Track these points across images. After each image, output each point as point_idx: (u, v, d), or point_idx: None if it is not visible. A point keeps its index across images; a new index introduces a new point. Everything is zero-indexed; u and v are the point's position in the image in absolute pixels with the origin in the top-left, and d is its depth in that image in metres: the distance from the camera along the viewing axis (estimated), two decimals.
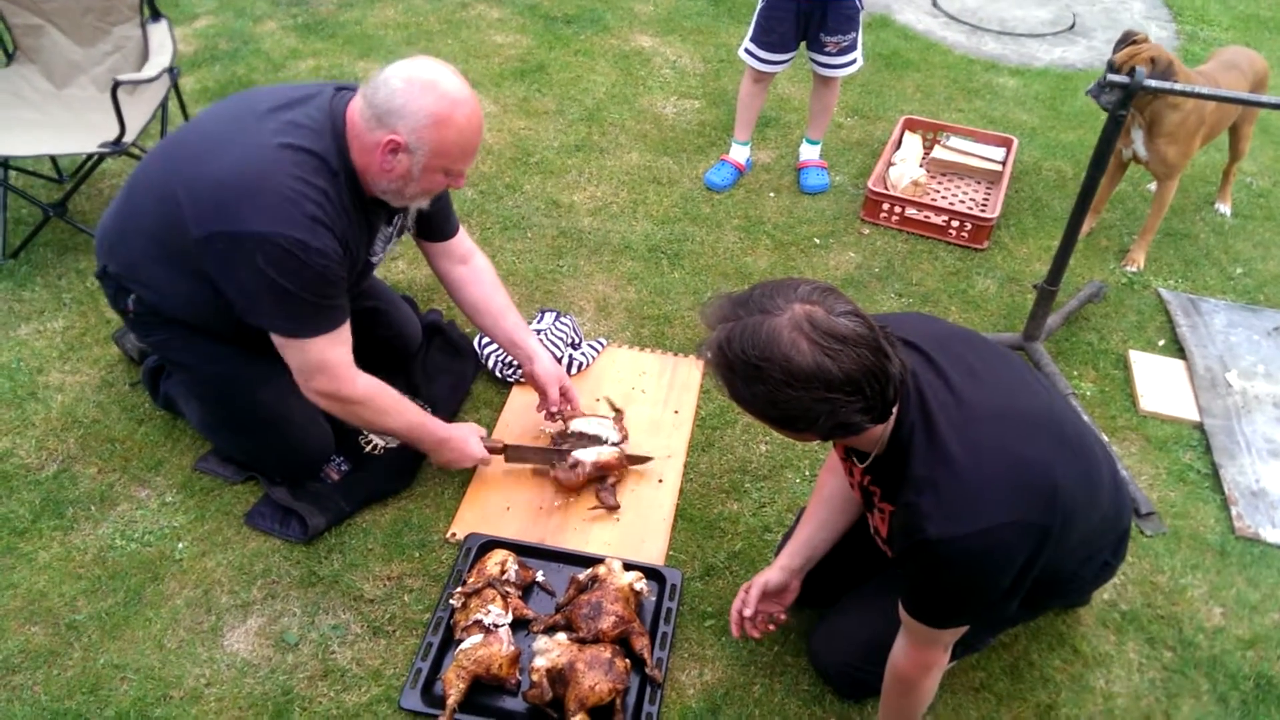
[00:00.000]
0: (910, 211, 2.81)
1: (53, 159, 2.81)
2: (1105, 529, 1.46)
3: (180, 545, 1.85)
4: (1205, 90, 1.94)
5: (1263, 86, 2.70)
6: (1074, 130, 3.40)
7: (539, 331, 2.27)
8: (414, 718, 1.59)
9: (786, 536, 1.70)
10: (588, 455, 1.97)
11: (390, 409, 1.78)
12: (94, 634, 1.69)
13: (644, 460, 2.05)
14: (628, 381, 2.28)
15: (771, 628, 1.62)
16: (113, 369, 2.22)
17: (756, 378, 1.09)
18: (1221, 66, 2.66)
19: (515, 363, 2.19)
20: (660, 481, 2.03)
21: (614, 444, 2.02)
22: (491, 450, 1.95)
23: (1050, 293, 2.25)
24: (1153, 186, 3.04)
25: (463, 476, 2.01)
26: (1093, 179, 2.04)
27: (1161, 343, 2.51)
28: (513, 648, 1.62)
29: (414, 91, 1.50)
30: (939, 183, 3.04)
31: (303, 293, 1.56)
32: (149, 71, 2.45)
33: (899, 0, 4.31)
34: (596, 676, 1.54)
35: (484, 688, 1.60)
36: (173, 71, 2.54)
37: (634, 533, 1.92)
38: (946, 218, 2.78)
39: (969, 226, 2.76)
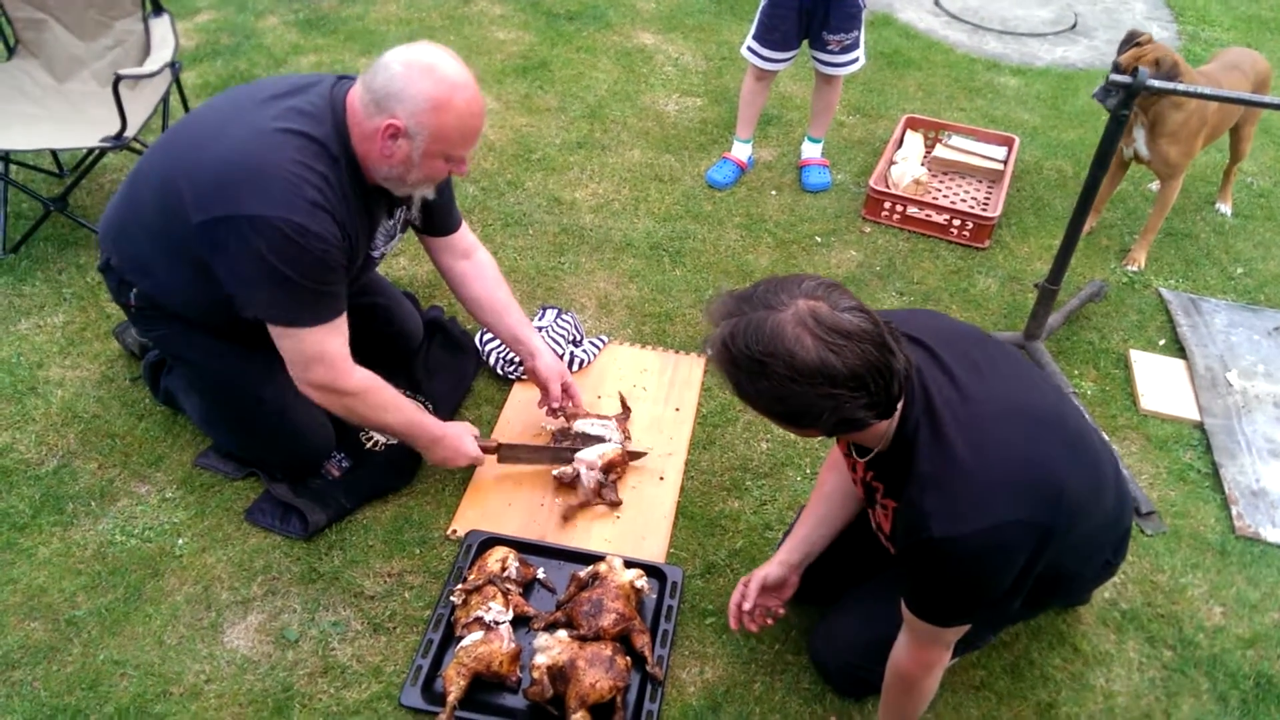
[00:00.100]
0: (912, 210, 2.81)
1: (54, 153, 2.80)
2: (1107, 528, 1.46)
3: (180, 541, 1.84)
4: (1208, 91, 1.93)
5: (1265, 87, 2.70)
6: (1075, 129, 3.40)
7: (540, 329, 2.26)
8: (414, 715, 1.58)
9: (787, 534, 1.70)
10: (589, 454, 1.97)
11: (386, 404, 1.76)
12: (94, 630, 1.69)
13: (640, 455, 2.04)
14: (629, 379, 2.28)
15: (769, 622, 1.62)
16: (113, 364, 2.22)
17: (761, 373, 1.09)
18: (1224, 67, 2.66)
19: (516, 360, 2.19)
20: (661, 479, 2.03)
21: (616, 444, 2.02)
22: (485, 449, 1.94)
23: (1051, 292, 2.25)
24: (1154, 186, 3.04)
25: (463, 474, 2.01)
26: (1095, 178, 2.04)
27: (1162, 342, 2.51)
28: (513, 645, 1.61)
29: (413, 76, 1.49)
30: (940, 181, 3.04)
31: (301, 279, 1.55)
32: (151, 66, 2.44)
33: None
34: (597, 674, 1.54)
35: (485, 685, 1.60)
36: (174, 66, 2.53)
37: (635, 530, 1.92)
38: (948, 216, 2.78)
39: (970, 225, 2.76)
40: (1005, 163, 3.04)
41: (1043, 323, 2.31)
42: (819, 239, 2.80)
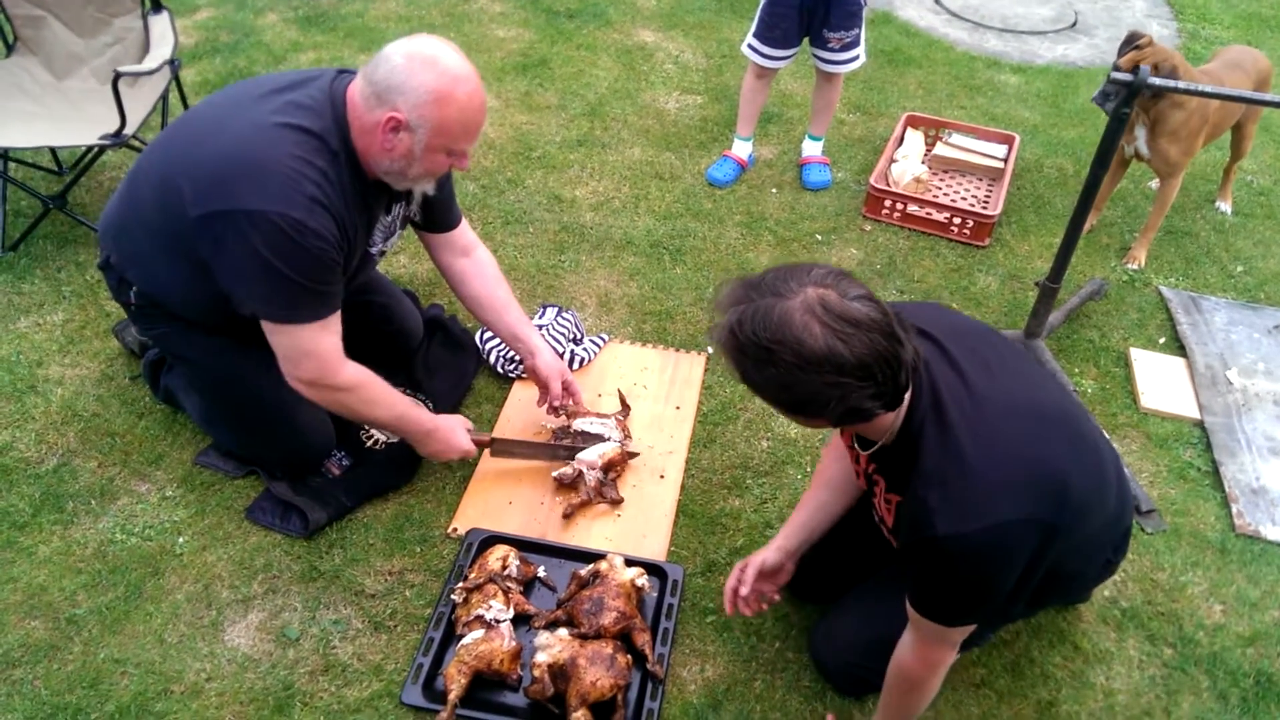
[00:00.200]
0: (912, 208, 2.81)
1: (53, 151, 2.80)
2: (1109, 527, 1.46)
3: (181, 540, 1.84)
4: (1209, 89, 1.93)
5: (1266, 85, 2.70)
6: (1075, 127, 3.40)
7: (541, 327, 2.26)
8: (415, 713, 1.59)
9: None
10: (590, 454, 1.97)
11: (377, 399, 1.75)
12: (94, 628, 1.68)
13: (633, 455, 2.05)
14: (629, 377, 2.28)
15: (764, 607, 1.62)
16: (113, 362, 2.21)
17: (768, 361, 1.08)
18: (1225, 66, 2.66)
19: (517, 358, 2.19)
20: (662, 477, 2.03)
21: (616, 442, 2.02)
22: (478, 443, 1.93)
23: (1052, 290, 2.25)
24: (1154, 184, 3.04)
25: (464, 472, 2.01)
26: (1095, 177, 2.04)
27: (1162, 340, 2.51)
28: (514, 643, 1.61)
29: (414, 68, 1.48)
30: (941, 179, 3.04)
31: (296, 276, 1.54)
32: (150, 63, 2.43)
33: None
34: (598, 672, 1.54)
35: (485, 683, 1.60)
36: (174, 64, 2.52)
37: (635, 528, 1.92)
38: (948, 215, 2.78)
39: (971, 223, 2.76)
40: (1006, 161, 3.04)
41: (1043, 321, 2.31)
42: (819, 237, 2.80)
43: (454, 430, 1.88)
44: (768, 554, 1.57)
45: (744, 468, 2.07)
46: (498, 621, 1.63)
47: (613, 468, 1.98)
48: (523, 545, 1.83)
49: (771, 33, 2.74)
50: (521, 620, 1.70)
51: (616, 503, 1.96)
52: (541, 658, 1.54)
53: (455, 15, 3.85)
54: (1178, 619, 1.81)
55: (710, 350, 2.37)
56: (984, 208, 2.87)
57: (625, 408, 2.13)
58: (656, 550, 1.87)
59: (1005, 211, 2.90)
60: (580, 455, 1.97)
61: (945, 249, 2.77)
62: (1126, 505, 1.51)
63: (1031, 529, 1.17)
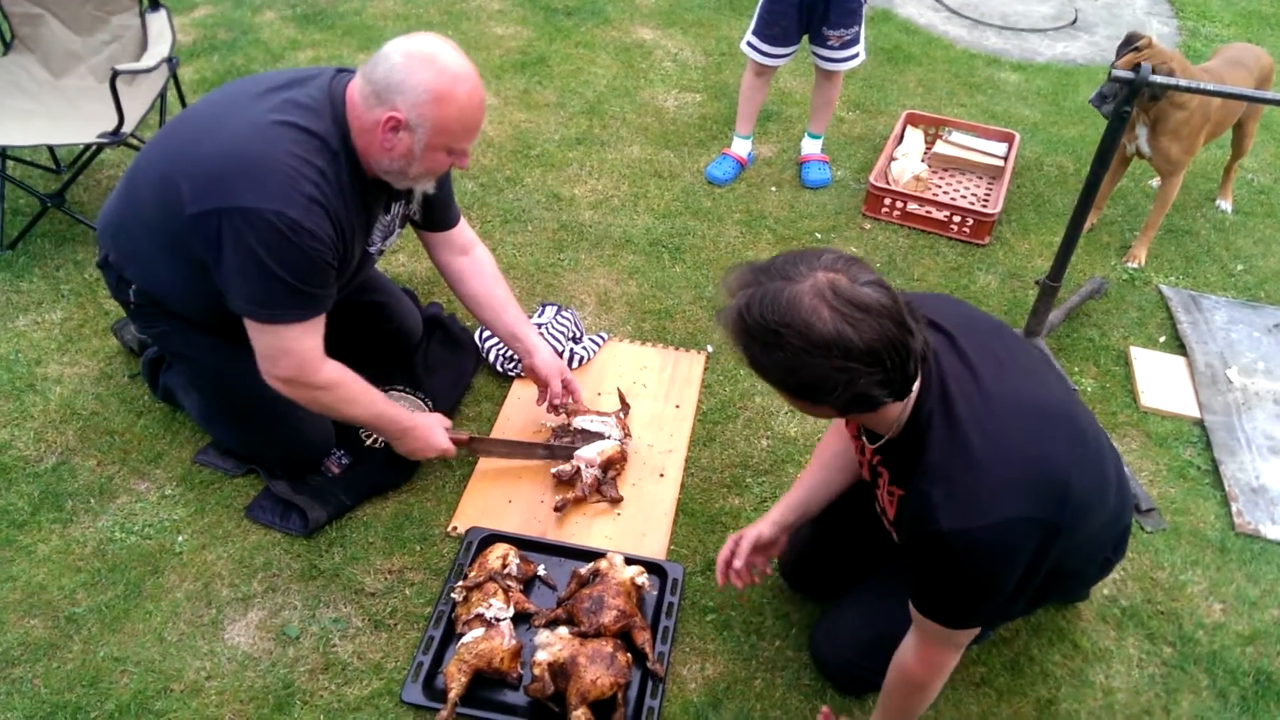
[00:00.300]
0: (912, 207, 2.80)
1: (51, 149, 2.79)
2: (1109, 526, 1.46)
3: (180, 538, 1.84)
4: (1210, 86, 1.93)
5: (1268, 83, 2.69)
6: (1076, 126, 3.39)
7: (540, 326, 2.26)
8: (415, 711, 1.58)
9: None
10: (589, 451, 1.96)
11: (354, 397, 1.74)
12: (94, 627, 1.68)
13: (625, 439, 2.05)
14: (629, 376, 2.27)
15: (756, 579, 1.62)
16: (111, 361, 2.21)
17: (775, 344, 1.07)
18: (1227, 63, 2.65)
19: (516, 357, 2.18)
20: (661, 476, 2.03)
21: (615, 440, 2.02)
22: (457, 442, 1.92)
23: (1052, 289, 2.25)
24: (1155, 182, 3.04)
25: (464, 470, 2.01)
26: (1096, 176, 2.04)
27: (1162, 339, 2.51)
28: (514, 642, 1.61)
29: (414, 67, 1.47)
30: (941, 178, 3.03)
31: (288, 276, 1.53)
32: (148, 61, 2.43)
33: None
34: (598, 671, 1.54)
35: (485, 681, 1.60)
36: (171, 61, 2.52)
37: (635, 527, 1.92)
38: (948, 213, 2.77)
39: (970, 222, 2.76)
40: (1006, 159, 3.04)
41: (1043, 320, 2.31)
42: (819, 235, 2.80)
43: (432, 429, 1.87)
44: (762, 528, 1.58)
45: (744, 466, 2.07)
46: (498, 620, 1.63)
47: (612, 466, 1.98)
48: (523, 544, 1.83)
49: (771, 30, 2.74)
50: (521, 619, 1.70)
51: (616, 501, 1.95)
52: (542, 656, 1.54)
53: (453, 13, 3.84)
54: (1177, 617, 1.81)
55: (710, 349, 2.37)
56: (984, 206, 2.87)
57: (625, 406, 2.13)
58: (656, 549, 1.87)
59: (1005, 210, 2.90)
60: (579, 452, 1.96)
61: (945, 247, 2.77)
62: (1126, 504, 1.51)
63: (1034, 528, 1.17)
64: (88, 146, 2.54)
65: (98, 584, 1.75)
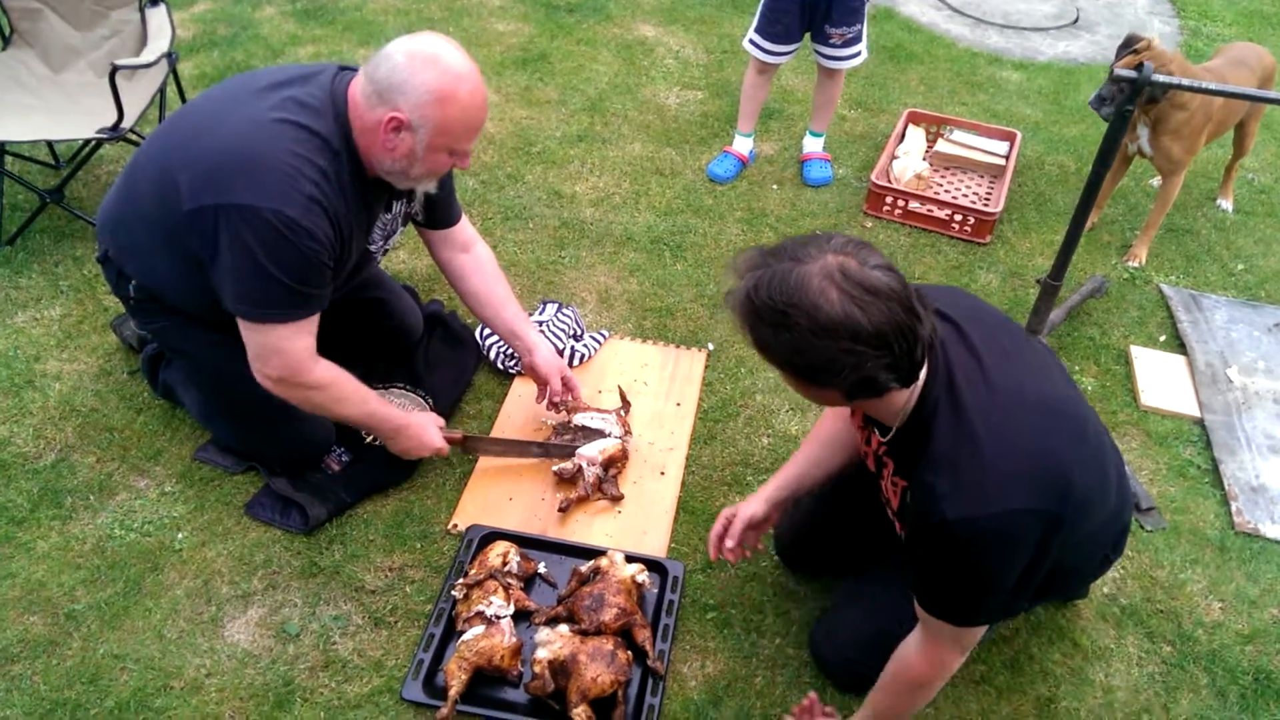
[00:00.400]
0: (913, 205, 2.80)
1: (50, 145, 2.78)
2: (1109, 524, 1.46)
3: (180, 535, 1.84)
4: (1212, 85, 1.93)
5: (1270, 83, 2.69)
6: (1077, 125, 3.39)
7: (540, 323, 2.26)
8: (416, 709, 1.58)
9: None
10: (590, 449, 1.96)
11: (347, 396, 1.74)
12: (93, 624, 1.68)
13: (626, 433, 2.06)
14: (630, 374, 2.27)
15: (748, 554, 1.63)
16: (110, 357, 2.21)
17: (783, 325, 1.07)
18: (1229, 63, 2.65)
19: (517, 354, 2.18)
20: (662, 474, 2.03)
21: (616, 438, 2.01)
22: (450, 440, 1.92)
23: (1053, 288, 2.25)
24: (1155, 182, 3.04)
25: (464, 468, 2.01)
26: (1098, 175, 2.04)
27: (1163, 338, 2.51)
28: (515, 639, 1.61)
29: (416, 67, 1.46)
30: (942, 176, 3.03)
31: (283, 275, 1.52)
32: (147, 57, 2.42)
33: None
34: (598, 668, 1.54)
35: (486, 679, 1.60)
36: (171, 57, 2.51)
37: (636, 525, 1.92)
38: (949, 212, 2.77)
39: (972, 221, 2.76)
40: (1007, 158, 3.04)
41: (1044, 318, 2.31)
42: (820, 234, 2.79)
43: (425, 427, 1.87)
44: (755, 506, 1.58)
45: (744, 464, 2.07)
46: (498, 617, 1.63)
47: (613, 464, 1.98)
48: (523, 541, 1.83)
49: (773, 28, 2.74)
50: (522, 616, 1.70)
51: (617, 499, 1.95)
52: (542, 654, 1.54)
53: (454, 9, 3.83)
54: (1177, 616, 1.82)
55: (711, 347, 2.36)
56: (985, 205, 2.87)
57: (626, 404, 2.13)
58: (657, 546, 1.87)
59: (1006, 209, 2.89)
60: (581, 450, 1.96)
61: (946, 246, 2.76)
62: (1126, 502, 1.51)
63: (1038, 520, 1.16)
64: (87, 142, 2.53)
65: (97, 581, 1.75)
